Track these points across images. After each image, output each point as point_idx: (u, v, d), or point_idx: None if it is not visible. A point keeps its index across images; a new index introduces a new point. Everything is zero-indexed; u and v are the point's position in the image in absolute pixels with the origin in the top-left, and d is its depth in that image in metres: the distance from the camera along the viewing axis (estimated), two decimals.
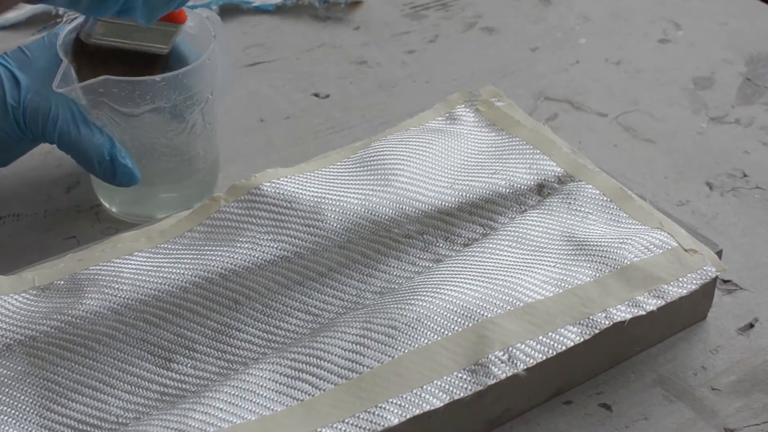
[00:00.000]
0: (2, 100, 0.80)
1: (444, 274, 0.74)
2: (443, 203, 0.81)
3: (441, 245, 0.80)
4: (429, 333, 0.68)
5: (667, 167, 0.94)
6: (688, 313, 0.77)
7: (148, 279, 0.75)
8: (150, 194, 0.87)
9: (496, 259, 0.75)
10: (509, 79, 1.06)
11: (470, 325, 0.69)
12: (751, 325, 0.78)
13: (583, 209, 0.80)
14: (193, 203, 0.83)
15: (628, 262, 0.74)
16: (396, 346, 0.68)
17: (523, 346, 0.68)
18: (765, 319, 0.79)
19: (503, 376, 0.67)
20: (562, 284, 0.72)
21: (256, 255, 0.76)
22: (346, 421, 0.64)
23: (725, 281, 0.81)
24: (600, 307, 0.71)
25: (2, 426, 0.67)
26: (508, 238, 0.77)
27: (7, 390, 0.69)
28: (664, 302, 0.72)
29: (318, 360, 0.67)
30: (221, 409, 0.64)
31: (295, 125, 0.99)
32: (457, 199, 0.81)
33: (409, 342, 0.68)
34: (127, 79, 0.79)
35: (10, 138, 0.82)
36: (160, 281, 0.74)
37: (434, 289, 0.71)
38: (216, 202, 0.80)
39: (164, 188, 0.87)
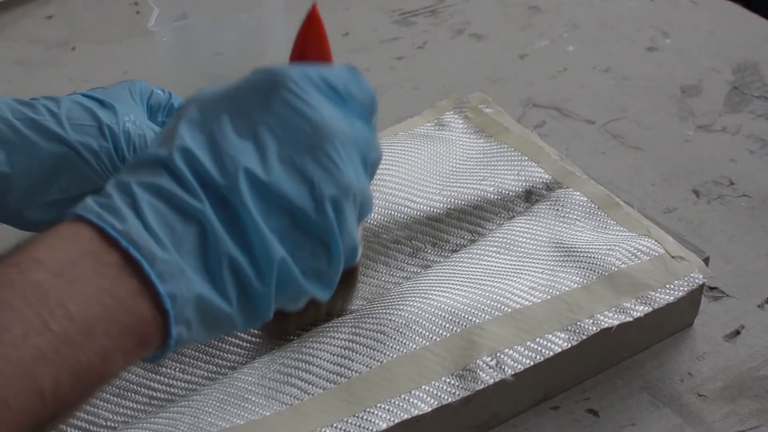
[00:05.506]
0: (96, 121, 0.72)
1: (432, 279, 0.74)
2: (432, 209, 0.81)
3: (429, 251, 0.80)
4: (417, 338, 0.69)
5: (655, 174, 0.94)
6: (674, 319, 0.77)
7: None
8: None
9: (484, 265, 0.75)
10: (497, 86, 1.06)
11: (458, 330, 0.69)
12: (738, 332, 0.79)
13: (570, 216, 0.80)
14: None
15: (616, 269, 0.74)
16: (384, 351, 0.68)
17: (511, 351, 0.69)
18: (751, 326, 0.79)
19: (491, 382, 0.67)
20: (550, 290, 0.73)
21: None
22: (335, 425, 0.64)
23: (712, 288, 0.82)
24: (587, 314, 0.71)
25: None
26: (496, 244, 0.77)
27: None
28: (651, 309, 0.73)
29: (307, 365, 0.67)
30: (210, 413, 0.64)
31: None
32: (445, 205, 0.81)
33: (398, 347, 0.68)
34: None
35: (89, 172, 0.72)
36: None
37: (423, 295, 0.72)
38: None
39: None
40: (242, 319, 0.54)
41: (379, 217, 0.80)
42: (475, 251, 0.77)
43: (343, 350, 0.68)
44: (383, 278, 0.78)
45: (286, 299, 0.56)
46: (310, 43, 0.63)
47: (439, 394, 0.66)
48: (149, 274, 0.50)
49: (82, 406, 0.50)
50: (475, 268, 0.75)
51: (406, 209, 0.80)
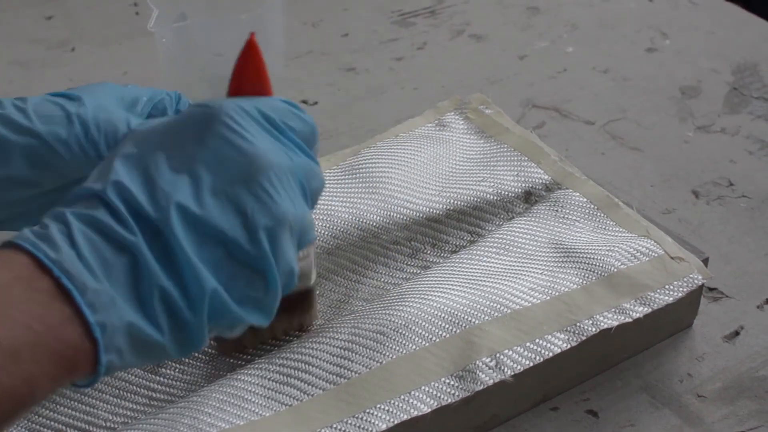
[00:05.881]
0: (64, 111, 0.69)
1: (432, 280, 0.74)
2: (431, 210, 0.81)
3: (429, 252, 0.80)
4: (417, 339, 0.69)
5: (654, 175, 0.94)
6: (674, 320, 0.77)
7: None
8: None
9: (483, 265, 0.75)
10: (497, 87, 1.06)
11: (458, 331, 0.69)
12: (737, 333, 0.79)
13: (570, 217, 0.80)
14: None
15: (615, 270, 0.74)
16: (384, 352, 0.68)
17: (511, 352, 0.69)
18: (750, 326, 0.79)
19: (490, 382, 0.67)
20: (550, 291, 0.73)
21: None
22: (334, 426, 0.64)
23: (711, 289, 0.82)
24: (587, 314, 0.71)
25: None
26: (495, 245, 0.77)
27: None
28: (650, 309, 0.73)
29: (306, 365, 0.67)
30: (209, 414, 0.64)
31: None
32: (445, 207, 0.81)
33: (397, 348, 0.68)
34: None
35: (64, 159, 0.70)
36: None
37: (422, 296, 0.72)
38: None
39: None
40: (175, 348, 0.54)
41: (379, 218, 0.80)
42: (474, 252, 0.77)
43: (342, 351, 0.68)
44: (383, 279, 0.78)
45: (222, 328, 0.56)
46: (248, 75, 0.62)
47: (438, 394, 0.66)
48: (80, 304, 0.50)
49: (4, 429, 0.50)
50: (475, 269, 0.75)
51: (405, 210, 0.80)
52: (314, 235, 0.60)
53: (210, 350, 0.73)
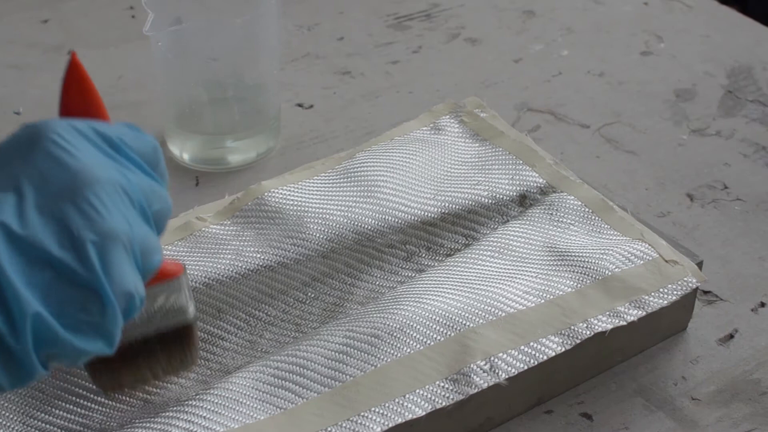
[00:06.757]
0: None
1: (426, 283, 0.74)
2: (426, 214, 0.81)
3: (424, 255, 0.80)
4: (411, 342, 0.69)
5: (649, 179, 0.94)
6: (668, 323, 0.77)
7: None
8: (221, 141, 0.95)
9: (478, 269, 0.76)
10: (492, 90, 1.06)
11: (452, 334, 0.69)
12: (731, 336, 0.79)
13: (565, 220, 0.80)
14: (261, 149, 0.96)
15: (610, 273, 0.74)
16: (378, 355, 0.68)
17: (505, 355, 0.69)
18: (744, 329, 0.79)
19: (485, 386, 0.67)
20: (544, 294, 0.73)
21: (240, 264, 0.76)
22: (329, 429, 0.64)
23: (705, 292, 0.82)
24: (581, 318, 0.71)
25: None
26: (490, 248, 0.78)
27: None
28: (644, 313, 0.73)
29: (301, 368, 0.67)
30: (204, 417, 0.65)
31: (280, 135, 0.99)
32: (439, 210, 0.81)
33: (392, 351, 0.68)
34: None
35: None
36: None
37: (417, 299, 0.72)
38: (202, 221, 0.80)
39: (234, 136, 0.95)
40: (6, 378, 0.52)
41: (374, 221, 0.80)
42: (469, 255, 0.77)
43: (337, 354, 0.68)
44: (377, 282, 0.78)
45: (59, 356, 0.53)
46: (75, 95, 0.60)
47: (433, 398, 0.66)
48: None
49: None
50: (470, 272, 0.75)
51: (400, 213, 0.81)
52: (160, 259, 0.57)
53: (206, 353, 0.73)
